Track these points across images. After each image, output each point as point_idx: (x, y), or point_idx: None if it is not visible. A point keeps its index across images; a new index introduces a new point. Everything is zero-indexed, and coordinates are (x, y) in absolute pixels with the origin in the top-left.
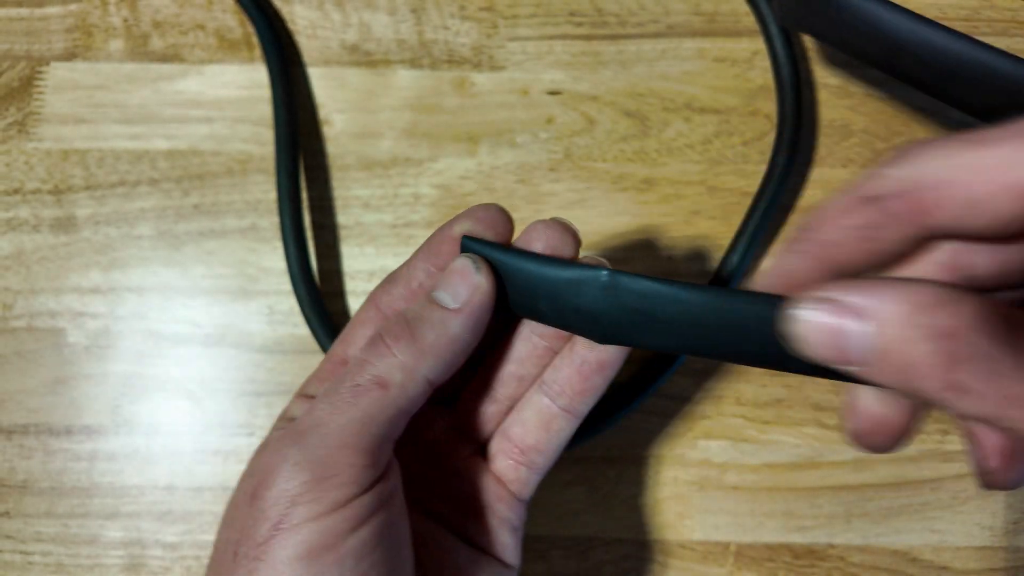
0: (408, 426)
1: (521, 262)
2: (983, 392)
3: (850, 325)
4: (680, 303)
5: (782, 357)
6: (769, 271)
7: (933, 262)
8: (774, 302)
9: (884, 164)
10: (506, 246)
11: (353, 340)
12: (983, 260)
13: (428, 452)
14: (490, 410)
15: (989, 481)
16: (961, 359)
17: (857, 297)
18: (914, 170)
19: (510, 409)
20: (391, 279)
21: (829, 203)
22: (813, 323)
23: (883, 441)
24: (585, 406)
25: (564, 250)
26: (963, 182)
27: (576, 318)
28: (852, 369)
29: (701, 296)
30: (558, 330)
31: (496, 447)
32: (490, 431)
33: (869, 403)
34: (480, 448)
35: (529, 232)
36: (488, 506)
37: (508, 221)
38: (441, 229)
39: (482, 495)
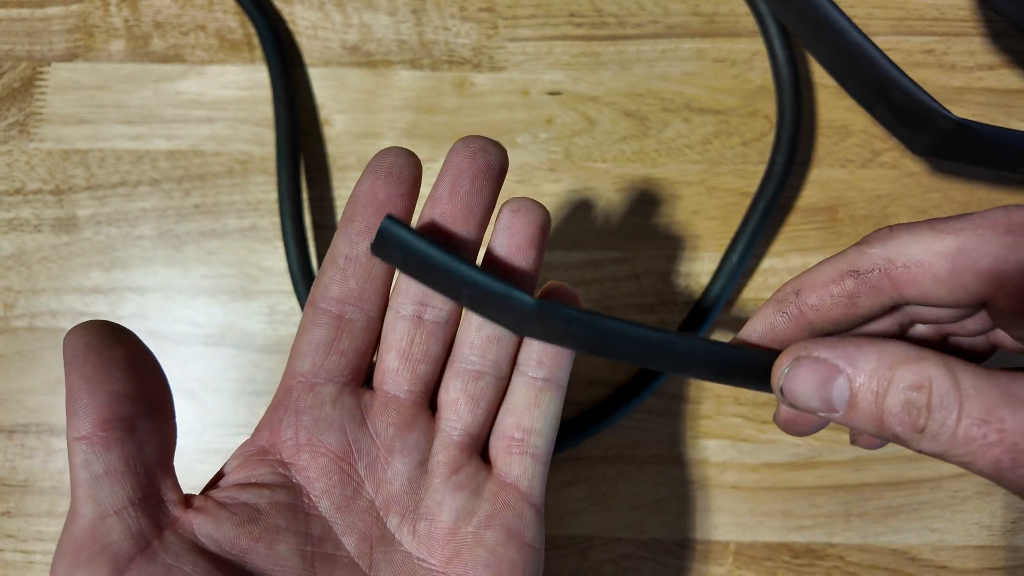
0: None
1: (446, 261)
2: (938, 434)
3: (833, 380)
4: (623, 338)
5: (732, 377)
6: (753, 325)
7: (896, 321)
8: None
9: (868, 243)
10: (429, 238)
11: (300, 350)
12: (938, 316)
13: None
14: (481, 408)
15: (788, 429)
16: (922, 407)
17: (837, 355)
18: (893, 251)
19: (499, 403)
20: (321, 269)
21: (815, 272)
22: (801, 379)
23: (804, 428)
24: (563, 371)
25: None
26: (932, 264)
27: (497, 318)
28: (835, 416)
29: (646, 334)
30: None
31: (495, 447)
32: (485, 433)
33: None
34: (476, 458)
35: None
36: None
37: (414, 165)
38: (352, 192)
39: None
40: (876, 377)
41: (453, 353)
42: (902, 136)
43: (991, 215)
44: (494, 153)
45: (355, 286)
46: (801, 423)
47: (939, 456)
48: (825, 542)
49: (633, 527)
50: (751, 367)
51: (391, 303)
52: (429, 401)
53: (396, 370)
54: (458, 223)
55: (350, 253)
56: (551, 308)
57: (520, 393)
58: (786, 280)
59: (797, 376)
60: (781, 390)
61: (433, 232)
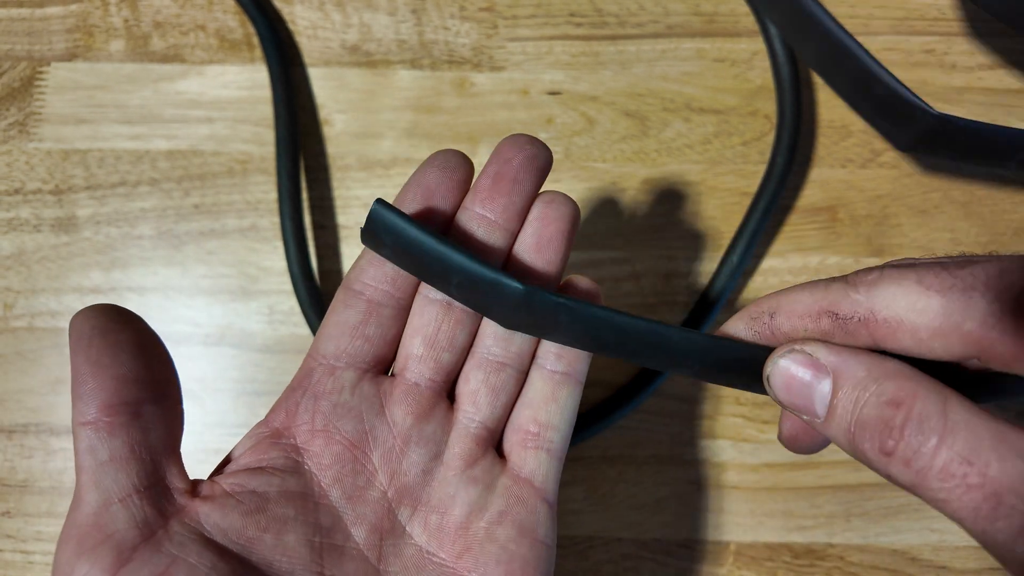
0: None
1: (434, 245)
2: (911, 461)
3: (819, 380)
4: (615, 329)
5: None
6: (724, 334)
7: None
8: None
9: (853, 285)
10: (420, 223)
11: (327, 331)
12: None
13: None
14: (500, 402)
15: (791, 446)
16: (894, 427)
17: (830, 355)
18: (876, 302)
19: (517, 396)
20: (360, 254)
21: (794, 298)
22: (789, 373)
23: (808, 445)
24: (582, 365)
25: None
26: (914, 323)
27: (486, 307)
28: (815, 422)
29: (629, 323)
30: None
31: (510, 441)
32: (501, 427)
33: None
34: (490, 452)
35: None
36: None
37: (467, 163)
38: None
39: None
40: (860, 387)
41: (475, 343)
42: (886, 132)
43: (983, 272)
44: (539, 148)
45: (391, 269)
46: (804, 439)
47: (909, 487)
48: (825, 542)
49: (633, 527)
50: (748, 362)
51: (420, 288)
52: (447, 392)
53: (420, 357)
54: (497, 212)
55: None
56: (539, 295)
57: (537, 387)
58: (787, 280)
59: (787, 369)
60: (768, 380)
61: (426, 220)
